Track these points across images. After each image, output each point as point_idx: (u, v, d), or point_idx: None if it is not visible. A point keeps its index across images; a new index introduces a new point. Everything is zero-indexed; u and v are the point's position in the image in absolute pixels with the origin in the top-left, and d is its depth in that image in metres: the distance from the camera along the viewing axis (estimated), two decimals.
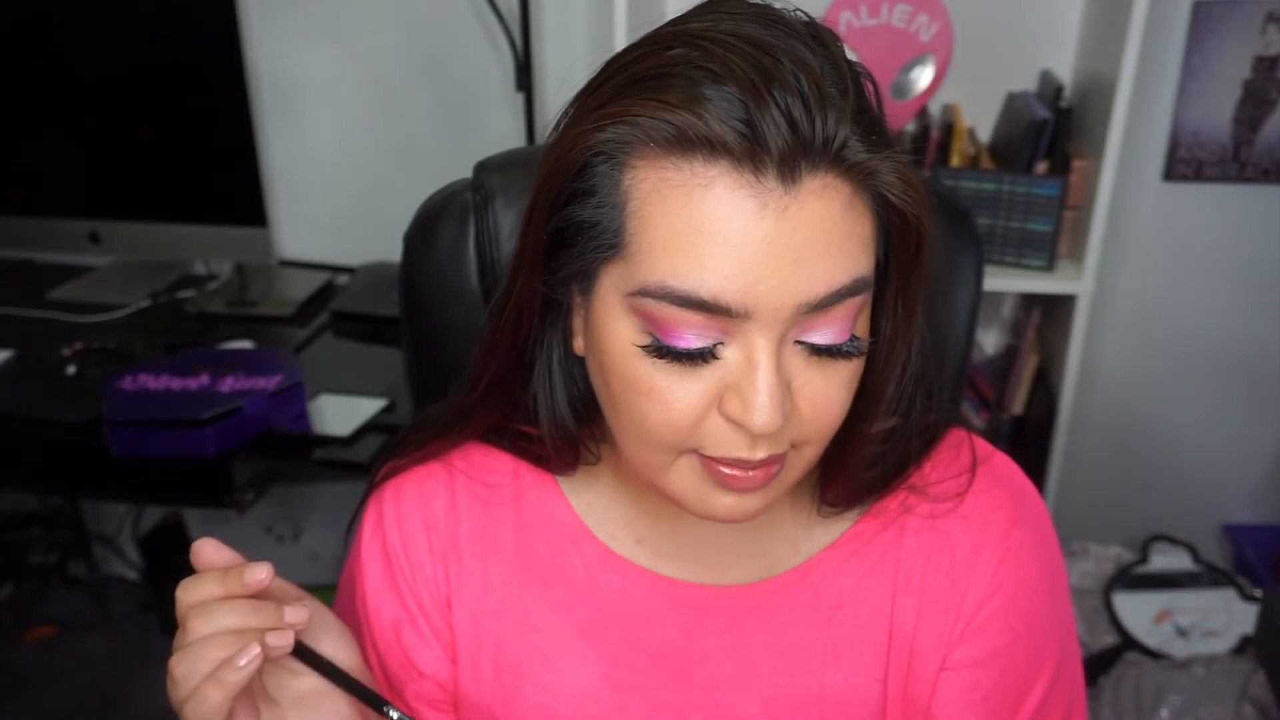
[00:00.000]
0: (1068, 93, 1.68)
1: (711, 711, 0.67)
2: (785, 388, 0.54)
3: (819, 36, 0.54)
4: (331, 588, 2.45)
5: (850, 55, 0.55)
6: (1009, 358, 1.88)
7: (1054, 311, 1.76)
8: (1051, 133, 1.61)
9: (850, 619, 0.67)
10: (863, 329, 0.57)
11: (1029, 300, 1.86)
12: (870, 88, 0.55)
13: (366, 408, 1.47)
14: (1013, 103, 1.73)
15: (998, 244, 1.66)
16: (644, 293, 0.53)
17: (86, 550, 2.28)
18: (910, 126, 1.79)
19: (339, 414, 1.46)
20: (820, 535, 0.69)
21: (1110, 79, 1.55)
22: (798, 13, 0.56)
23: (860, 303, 0.55)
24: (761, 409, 0.53)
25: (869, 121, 0.53)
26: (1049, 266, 1.66)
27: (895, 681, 0.67)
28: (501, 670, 0.69)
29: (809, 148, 0.51)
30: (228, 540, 0.60)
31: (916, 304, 0.60)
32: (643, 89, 0.53)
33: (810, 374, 0.55)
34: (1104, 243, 1.62)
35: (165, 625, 2.15)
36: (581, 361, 0.63)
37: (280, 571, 0.60)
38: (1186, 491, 2.03)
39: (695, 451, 0.57)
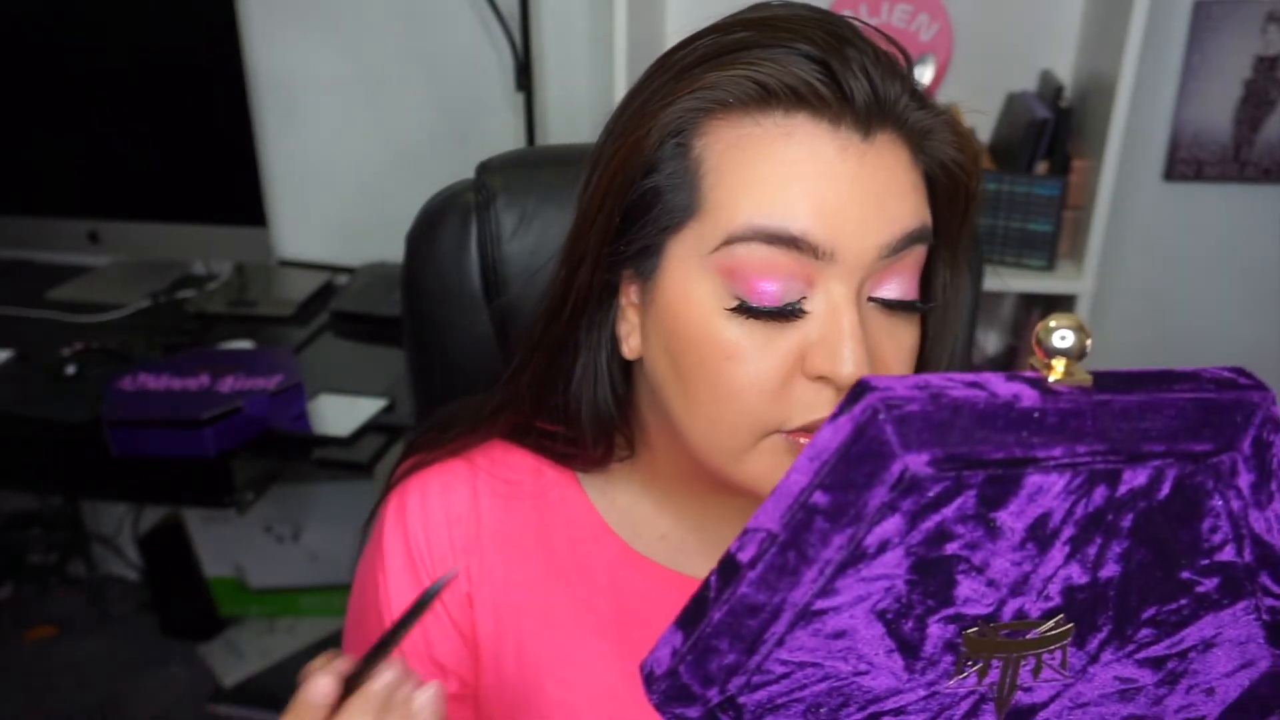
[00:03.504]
0: (1068, 93, 1.68)
1: None
2: (866, 340, 0.56)
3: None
4: (331, 588, 2.45)
5: None
6: (1009, 358, 1.88)
7: (1054, 311, 1.76)
8: (1051, 133, 1.61)
9: None
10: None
11: (1029, 300, 1.86)
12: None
13: (366, 408, 1.47)
14: (1013, 103, 1.73)
15: (998, 244, 1.67)
16: (732, 239, 0.55)
17: (86, 550, 2.28)
18: None
19: (339, 414, 1.46)
20: None
21: (1110, 79, 1.55)
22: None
23: (922, 254, 0.58)
24: (849, 356, 0.54)
25: (920, 92, 0.57)
26: (1049, 266, 1.66)
27: None
28: (523, 666, 0.70)
29: (883, 103, 0.54)
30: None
31: (964, 272, 0.63)
32: (711, 66, 0.55)
33: (884, 328, 0.57)
34: (1104, 243, 1.62)
35: (165, 625, 2.15)
36: (622, 367, 0.64)
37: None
38: None
39: (777, 430, 0.57)
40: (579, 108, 1.85)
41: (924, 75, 1.73)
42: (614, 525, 0.70)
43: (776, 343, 0.55)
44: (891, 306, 0.57)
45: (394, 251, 0.90)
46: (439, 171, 0.97)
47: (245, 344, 1.65)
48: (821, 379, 0.55)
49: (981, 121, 1.79)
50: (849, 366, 0.54)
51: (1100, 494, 0.43)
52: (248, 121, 1.77)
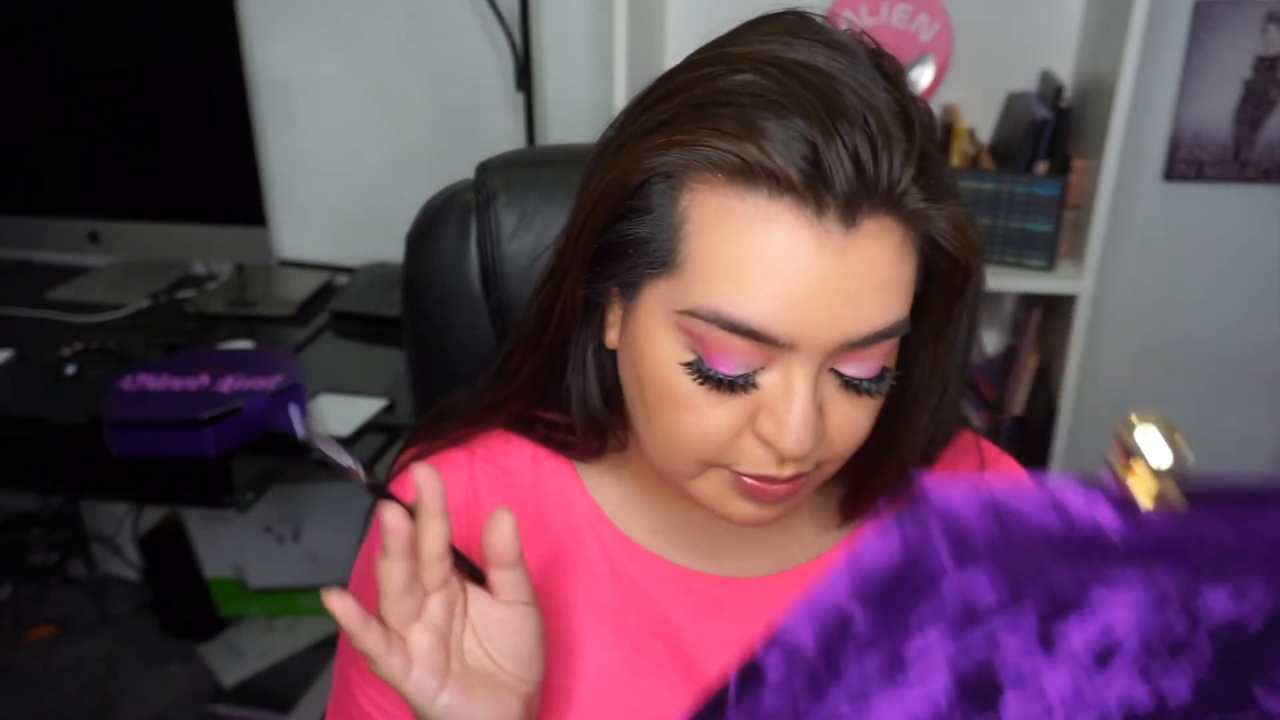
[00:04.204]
0: (1068, 93, 1.68)
1: None
2: (818, 413, 0.56)
3: (884, 69, 0.55)
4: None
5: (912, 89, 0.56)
6: (1009, 358, 1.88)
7: (1054, 311, 1.76)
8: (1051, 133, 1.61)
9: None
10: (891, 361, 0.59)
11: (1029, 300, 1.86)
12: (928, 121, 0.56)
13: (366, 408, 1.47)
14: (1013, 103, 1.73)
15: (998, 244, 1.67)
16: (694, 314, 0.54)
17: (86, 550, 2.28)
18: None
19: (339, 414, 1.46)
20: (834, 529, 0.71)
21: (1110, 79, 1.55)
22: (863, 37, 0.56)
23: (894, 343, 0.57)
24: (795, 434, 0.55)
25: (929, 166, 0.54)
26: (1049, 266, 1.66)
27: None
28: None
29: (871, 191, 0.52)
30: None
31: (955, 340, 0.62)
32: (708, 114, 0.53)
33: (839, 400, 0.57)
34: (1104, 243, 1.62)
35: (165, 625, 2.15)
36: (612, 354, 0.65)
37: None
38: None
39: (725, 466, 0.59)
40: (579, 108, 1.85)
41: (924, 75, 1.73)
42: (610, 515, 0.71)
43: (729, 402, 0.56)
44: (850, 384, 0.57)
45: (394, 251, 0.90)
46: (439, 171, 0.97)
47: (245, 344, 1.65)
48: (773, 448, 0.56)
49: (982, 121, 1.79)
50: (792, 445, 0.55)
51: (1176, 617, 0.39)
52: (248, 121, 1.77)
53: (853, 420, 0.58)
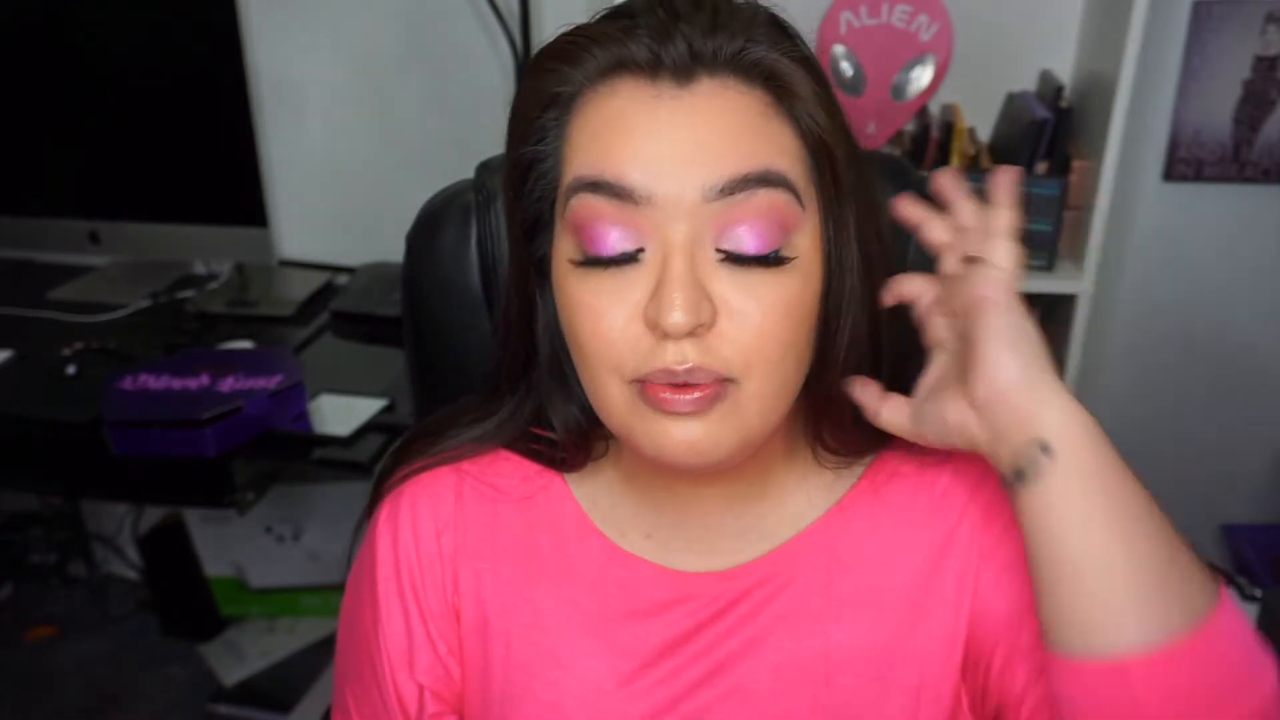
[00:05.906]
0: (1068, 93, 1.68)
1: (721, 688, 0.68)
2: (700, 289, 0.56)
3: (781, 22, 0.61)
4: (331, 588, 2.44)
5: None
6: None
7: (1054, 311, 1.76)
8: (1051, 133, 1.61)
9: (852, 580, 0.68)
10: (791, 250, 0.58)
11: (1029, 300, 1.85)
12: (807, 48, 0.61)
13: (366, 408, 1.47)
14: (1013, 103, 1.73)
15: None
16: (567, 194, 0.58)
17: (86, 550, 2.28)
18: (910, 126, 1.80)
19: (339, 414, 1.46)
20: (820, 503, 0.70)
21: (1110, 79, 1.55)
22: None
23: (777, 202, 0.57)
24: (670, 303, 0.55)
25: (783, 37, 0.59)
26: (1049, 266, 1.66)
27: (900, 637, 0.67)
28: (511, 670, 0.70)
29: (701, 58, 0.57)
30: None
31: (847, 232, 0.61)
32: (572, 48, 0.61)
33: (735, 288, 0.57)
34: (1104, 243, 1.62)
35: (165, 625, 2.15)
36: None
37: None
38: (1186, 491, 2.03)
39: (633, 379, 0.58)
40: None
41: (924, 75, 1.73)
42: (600, 524, 0.71)
43: (621, 298, 0.57)
44: (736, 260, 0.57)
45: (394, 251, 0.90)
46: (438, 172, 0.97)
47: (245, 344, 1.65)
48: (657, 328, 0.56)
49: (982, 121, 1.79)
50: (675, 315, 0.55)
51: None
52: (248, 121, 1.77)
53: (756, 313, 0.57)
